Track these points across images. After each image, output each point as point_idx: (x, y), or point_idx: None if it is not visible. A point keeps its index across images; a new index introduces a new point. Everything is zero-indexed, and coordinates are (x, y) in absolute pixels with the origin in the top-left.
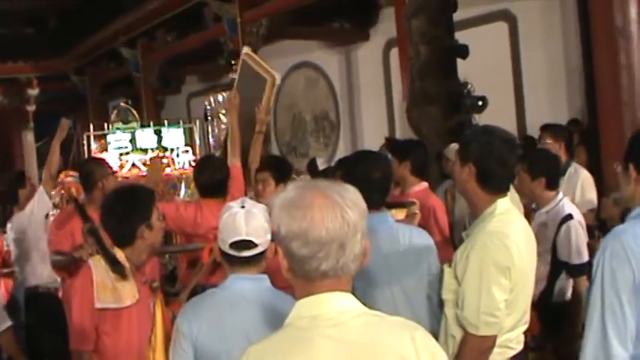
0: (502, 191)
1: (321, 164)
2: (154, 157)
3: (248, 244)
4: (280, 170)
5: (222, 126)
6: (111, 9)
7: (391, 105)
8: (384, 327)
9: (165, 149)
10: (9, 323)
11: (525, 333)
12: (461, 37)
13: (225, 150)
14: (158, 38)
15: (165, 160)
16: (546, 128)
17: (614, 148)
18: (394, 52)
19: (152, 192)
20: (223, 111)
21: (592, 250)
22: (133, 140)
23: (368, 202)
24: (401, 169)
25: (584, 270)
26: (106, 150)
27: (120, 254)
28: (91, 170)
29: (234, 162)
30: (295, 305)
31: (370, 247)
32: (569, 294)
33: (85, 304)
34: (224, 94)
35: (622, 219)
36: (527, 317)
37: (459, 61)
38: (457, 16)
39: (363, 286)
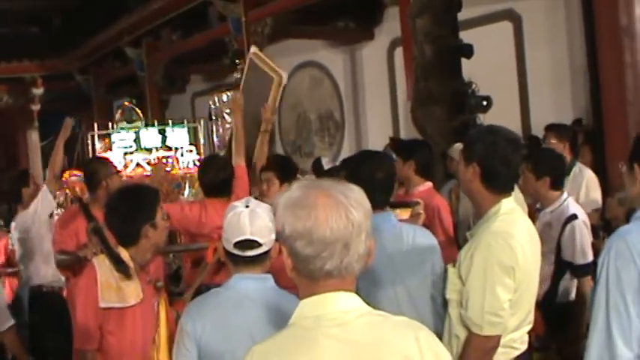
0: (506, 191)
1: (326, 164)
2: (158, 163)
3: (252, 244)
4: (284, 170)
5: (227, 125)
6: (115, 8)
7: (396, 104)
8: (388, 327)
9: (170, 149)
10: (12, 322)
11: (529, 333)
12: (465, 36)
13: (230, 150)
14: (163, 37)
15: (169, 160)
16: (551, 128)
17: (618, 147)
18: (399, 52)
19: (156, 191)
20: (228, 110)
21: (596, 250)
22: (137, 139)
23: (371, 202)
24: (405, 169)
25: (589, 270)
26: (111, 149)
27: (124, 253)
28: (96, 169)
29: (239, 162)
30: (299, 305)
31: (375, 246)
32: (573, 294)
33: (89, 304)
34: (229, 93)
35: (627, 219)
36: (532, 317)
37: (463, 60)
38: (462, 15)
39: (367, 286)
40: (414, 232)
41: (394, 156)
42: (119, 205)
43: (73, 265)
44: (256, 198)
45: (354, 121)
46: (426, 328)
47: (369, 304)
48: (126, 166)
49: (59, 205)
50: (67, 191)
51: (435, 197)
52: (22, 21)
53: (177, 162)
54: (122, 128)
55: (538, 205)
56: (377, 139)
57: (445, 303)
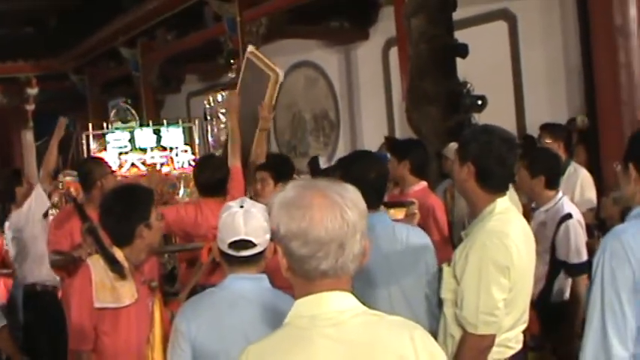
0: (501, 190)
1: (323, 163)
2: (153, 169)
3: (247, 244)
4: (279, 169)
5: (222, 125)
6: (110, 8)
7: (391, 104)
8: (383, 326)
9: (165, 149)
10: (4, 322)
11: (524, 332)
12: (460, 36)
13: (226, 151)
14: (158, 37)
15: (164, 164)
16: (545, 128)
17: (613, 147)
18: (394, 52)
19: (151, 191)
20: (223, 110)
21: (591, 249)
22: (132, 140)
23: (365, 202)
24: (400, 169)
25: (583, 269)
26: (105, 149)
27: (119, 254)
28: (90, 170)
29: (235, 163)
30: (294, 304)
31: (370, 246)
32: (567, 293)
33: (83, 304)
34: (224, 93)
35: (622, 218)
36: (526, 316)
37: (458, 60)
38: (457, 15)
39: (362, 286)
40: (408, 231)
41: (389, 156)
42: (113, 205)
43: (68, 265)
44: (251, 198)
45: (349, 120)
46: (422, 328)
47: (364, 304)
48: (121, 166)
49: (54, 206)
50: (64, 191)
51: (430, 197)
52: (17, 21)
53: (172, 162)
54: (117, 128)
55: (533, 205)
56: (372, 139)
57: (440, 302)
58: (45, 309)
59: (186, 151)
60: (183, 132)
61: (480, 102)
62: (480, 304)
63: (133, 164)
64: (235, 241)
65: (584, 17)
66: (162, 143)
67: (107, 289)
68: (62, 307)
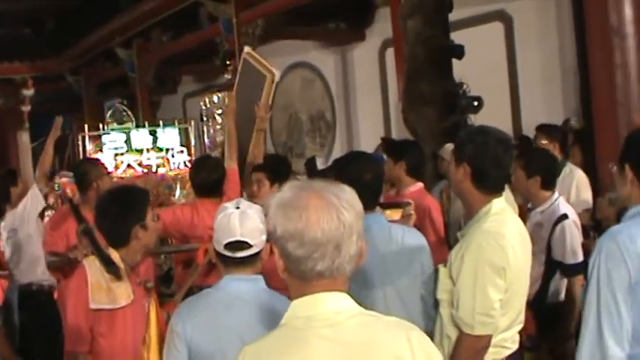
0: (497, 191)
1: (320, 164)
2: (148, 174)
3: (242, 245)
4: (275, 170)
5: (218, 126)
6: (107, 9)
7: (387, 105)
8: (380, 327)
9: (161, 150)
10: None
11: (520, 333)
12: (456, 37)
13: (223, 152)
14: (153, 38)
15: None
16: (541, 129)
17: (609, 148)
18: (390, 53)
19: (147, 192)
20: (219, 111)
21: (587, 250)
22: (128, 141)
23: (361, 203)
24: (396, 170)
25: (579, 270)
26: (101, 150)
27: (114, 255)
28: (86, 171)
29: (231, 165)
30: (291, 305)
31: (366, 247)
32: (563, 294)
33: (79, 305)
34: (220, 94)
35: (617, 219)
36: (523, 317)
37: (454, 61)
38: (453, 16)
39: (358, 287)
40: (403, 232)
41: (385, 156)
42: (109, 206)
43: (64, 266)
44: (247, 199)
45: (345, 121)
46: (418, 329)
47: (360, 304)
48: (117, 168)
49: (50, 207)
50: (59, 192)
51: (426, 198)
52: (13, 22)
53: (169, 163)
54: (113, 129)
55: (529, 205)
56: (368, 140)
57: (435, 303)
58: (41, 309)
59: (182, 152)
60: (180, 133)
61: (476, 103)
62: (476, 305)
63: (129, 165)
64: (231, 242)
65: (579, 18)
66: (159, 144)
67: (103, 290)
68: (57, 307)
